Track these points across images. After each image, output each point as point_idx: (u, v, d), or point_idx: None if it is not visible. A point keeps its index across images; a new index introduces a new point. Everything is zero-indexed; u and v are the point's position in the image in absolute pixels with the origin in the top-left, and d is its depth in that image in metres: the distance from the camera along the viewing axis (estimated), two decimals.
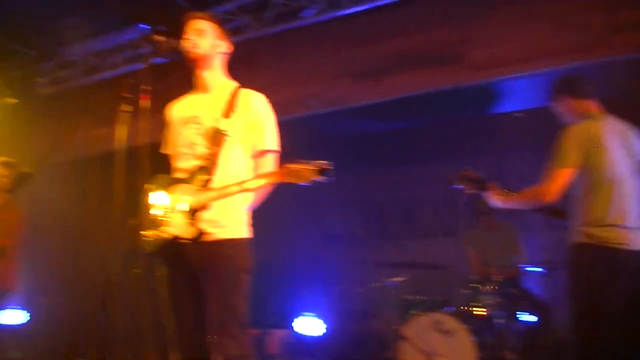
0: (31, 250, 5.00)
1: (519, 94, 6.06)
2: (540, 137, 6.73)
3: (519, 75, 5.36)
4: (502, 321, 4.99)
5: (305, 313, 6.76)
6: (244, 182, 2.75)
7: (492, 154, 6.90)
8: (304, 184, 2.56)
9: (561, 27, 5.11)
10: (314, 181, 2.54)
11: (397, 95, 5.91)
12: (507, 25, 5.39)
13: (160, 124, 3.17)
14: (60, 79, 7.72)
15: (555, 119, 3.76)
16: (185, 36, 3.00)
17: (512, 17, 5.37)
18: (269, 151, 2.97)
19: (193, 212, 2.76)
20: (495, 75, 5.43)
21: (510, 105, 6.44)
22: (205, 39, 3.00)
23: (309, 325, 6.67)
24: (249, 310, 2.81)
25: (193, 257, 2.80)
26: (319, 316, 6.71)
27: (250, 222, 2.97)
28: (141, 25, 6.51)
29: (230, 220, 2.85)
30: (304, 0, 5.93)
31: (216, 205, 2.79)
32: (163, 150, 3.17)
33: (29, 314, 5.99)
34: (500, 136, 6.77)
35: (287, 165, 2.61)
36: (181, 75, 3.41)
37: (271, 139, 2.98)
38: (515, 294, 5.27)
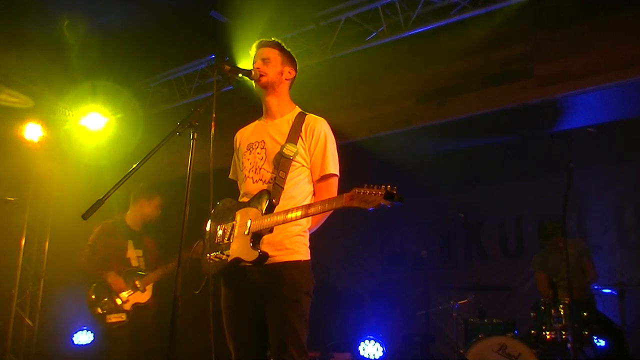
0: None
1: (588, 109, 5.89)
2: (612, 151, 6.56)
3: (587, 89, 5.22)
4: (573, 345, 4.82)
5: (369, 336, 6.74)
6: (309, 206, 2.68)
7: (561, 173, 6.72)
8: (371, 209, 2.42)
9: (629, 39, 4.98)
10: (382, 206, 2.39)
11: (461, 115, 5.84)
12: (574, 39, 5.29)
13: (227, 150, 3.27)
14: (134, 108, 8.06)
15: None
16: (252, 64, 3.08)
17: (578, 30, 5.28)
18: (330, 175, 2.98)
19: (255, 236, 2.79)
20: (563, 90, 5.31)
21: (578, 120, 6.25)
22: (271, 67, 3.07)
23: (371, 349, 6.66)
24: (310, 333, 2.80)
25: (254, 280, 2.83)
26: (379, 339, 6.68)
27: (308, 244, 2.97)
28: (210, 56, 6.76)
29: (291, 243, 2.87)
30: (368, 24, 5.99)
31: (278, 229, 2.80)
32: (231, 176, 3.26)
33: (93, 334, 6.14)
34: (571, 153, 6.56)
35: (355, 190, 2.47)
36: (248, 102, 3.50)
37: (332, 163, 3.00)
38: (586, 317, 5.08)
